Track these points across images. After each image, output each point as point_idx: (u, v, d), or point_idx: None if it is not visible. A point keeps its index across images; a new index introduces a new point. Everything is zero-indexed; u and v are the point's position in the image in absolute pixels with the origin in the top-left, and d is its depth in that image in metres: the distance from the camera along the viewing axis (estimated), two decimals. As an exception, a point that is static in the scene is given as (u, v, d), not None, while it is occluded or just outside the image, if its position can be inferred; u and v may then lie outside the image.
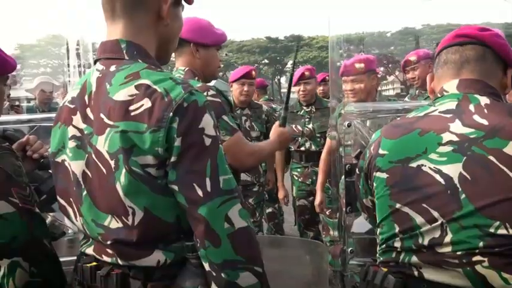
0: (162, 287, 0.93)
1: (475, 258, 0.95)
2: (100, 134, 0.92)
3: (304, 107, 3.56)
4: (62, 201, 1.05)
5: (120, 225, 0.93)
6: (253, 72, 3.53)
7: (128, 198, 0.90)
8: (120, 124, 0.89)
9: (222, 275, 0.87)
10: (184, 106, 0.87)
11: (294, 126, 3.44)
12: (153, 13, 0.99)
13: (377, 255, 1.16)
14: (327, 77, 4.26)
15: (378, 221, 1.14)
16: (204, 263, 0.90)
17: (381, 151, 1.12)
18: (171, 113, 0.86)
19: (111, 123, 0.90)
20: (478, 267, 0.94)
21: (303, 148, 3.50)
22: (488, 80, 1.09)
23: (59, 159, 1.04)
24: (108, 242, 0.95)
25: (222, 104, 1.73)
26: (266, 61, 44.09)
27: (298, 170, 3.56)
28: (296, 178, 3.58)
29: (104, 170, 0.92)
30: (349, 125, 1.62)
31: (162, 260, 0.93)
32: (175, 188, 0.89)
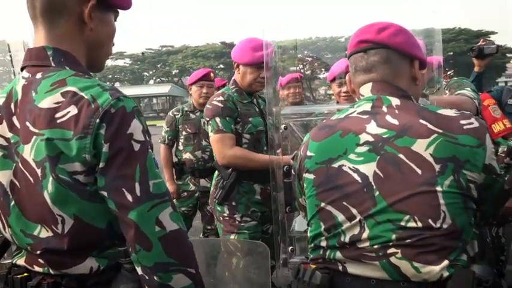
0: None
1: (389, 251, 1.01)
2: (26, 142, 0.91)
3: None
4: None
5: (50, 234, 0.92)
6: (212, 74, 3.52)
7: (56, 206, 0.89)
8: (45, 132, 0.88)
9: (155, 278, 0.88)
10: (111, 112, 0.87)
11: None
12: (75, 18, 0.97)
13: (308, 252, 1.21)
14: (226, 83, 4.40)
15: (307, 220, 1.19)
16: (136, 267, 0.90)
17: (308, 153, 1.17)
18: (98, 119, 0.86)
19: (36, 131, 0.89)
20: (392, 259, 1.00)
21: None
22: (397, 80, 1.15)
23: None
24: (38, 252, 0.94)
25: (220, 109, 2.19)
26: (222, 66, 44.07)
27: None
28: None
29: (31, 179, 0.91)
30: (285, 128, 1.67)
31: (95, 267, 0.93)
32: (105, 193, 0.88)
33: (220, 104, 2.21)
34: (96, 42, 1.02)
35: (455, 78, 2.76)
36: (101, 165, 0.87)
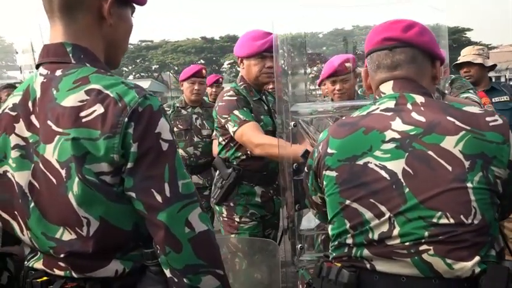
0: None
1: (421, 248, 1.01)
2: (48, 142, 0.88)
3: None
4: (5, 215, 0.98)
5: (73, 236, 0.89)
6: (204, 71, 3.50)
7: (82, 208, 0.87)
8: (70, 131, 0.85)
9: (185, 280, 0.86)
10: (139, 111, 0.85)
11: None
12: (94, 13, 0.95)
13: (329, 251, 1.20)
14: (220, 79, 4.40)
15: (329, 218, 1.18)
16: (164, 269, 0.88)
17: (329, 150, 1.16)
18: (126, 118, 0.84)
19: (60, 130, 0.86)
20: (424, 256, 1.00)
21: None
22: (420, 79, 1.15)
23: (0, 171, 0.97)
24: (62, 255, 0.91)
25: (235, 101, 2.10)
26: (202, 61, 43.74)
27: None
28: None
29: (54, 180, 0.88)
30: (295, 125, 1.66)
31: (120, 270, 0.91)
32: (133, 194, 0.86)
33: (233, 98, 2.12)
34: (114, 38, 1.00)
35: (452, 76, 2.80)
36: (129, 165, 0.85)
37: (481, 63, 3.23)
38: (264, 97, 2.29)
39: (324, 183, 1.17)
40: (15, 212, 0.96)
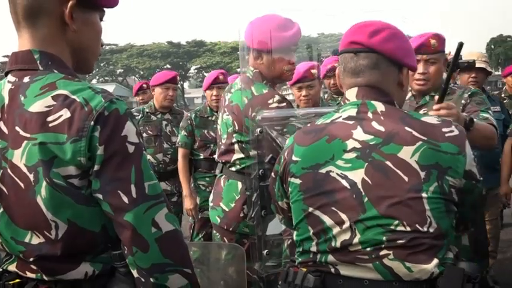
0: None
1: (382, 253, 1.04)
2: (16, 147, 0.89)
3: (215, 112, 3.23)
4: None
5: (41, 240, 0.90)
6: (178, 78, 3.50)
7: (50, 211, 0.88)
8: (38, 136, 0.86)
9: (151, 279, 0.88)
10: (105, 115, 0.87)
11: (206, 131, 3.28)
12: (56, 20, 0.95)
13: (296, 256, 1.21)
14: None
15: (294, 224, 1.20)
16: (132, 269, 0.90)
17: (294, 158, 1.17)
18: (92, 122, 0.86)
19: (27, 135, 0.87)
20: (385, 260, 1.03)
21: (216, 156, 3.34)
22: (383, 85, 1.16)
23: None
24: (31, 259, 0.91)
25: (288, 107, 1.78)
26: (168, 66, 43.36)
27: (207, 179, 3.24)
28: (203, 188, 3.28)
29: (22, 185, 0.89)
30: (261, 132, 1.67)
31: (90, 272, 0.92)
32: (100, 196, 0.88)
33: (284, 104, 1.77)
34: (80, 43, 0.99)
35: (472, 88, 2.28)
36: (96, 167, 0.87)
37: (489, 72, 3.11)
38: None
39: (289, 189, 1.19)
40: None
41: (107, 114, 0.87)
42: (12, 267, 0.97)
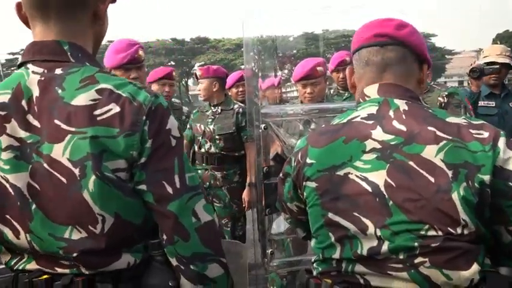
0: (131, 287, 0.93)
1: (417, 260, 0.95)
2: (56, 141, 0.87)
3: (212, 107, 3.34)
4: None
5: (83, 235, 0.89)
6: (174, 73, 3.50)
7: (98, 205, 0.88)
8: (87, 130, 0.86)
9: (191, 267, 0.91)
10: (153, 109, 0.90)
11: (198, 125, 3.34)
12: (91, 13, 0.97)
13: (313, 265, 1.13)
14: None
15: (312, 231, 1.12)
16: (170, 258, 0.92)
17: (308, 160, 1.09)
18: (144, 117, 0.88)
19: (72, 129, 0.86)
20: (421, 268, 0.95)
21: (203, 149, 3.29)
22: (407, 81, 1.11)
23: None
24: (74, 255, 0.89)
25: None
26: (172, 63, 43.33)
27: (199, 172, 3.34)
28: None
29: (64, 180, 0.87)
30: (265, 128, 1.63)
31: (132, 262, 0.93)
32: (144, 187, 0.90)
33: None
34: (101, 36, 1.03)
35: (449, 86, 2.74)
36: (143, 160, 0.89)
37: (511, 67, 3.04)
38: None
39: (305, 194, 1.11)
40: (7, 216, 0.92)
41: (154, 108, 0.90)
42: (31, 266, 0.94)
